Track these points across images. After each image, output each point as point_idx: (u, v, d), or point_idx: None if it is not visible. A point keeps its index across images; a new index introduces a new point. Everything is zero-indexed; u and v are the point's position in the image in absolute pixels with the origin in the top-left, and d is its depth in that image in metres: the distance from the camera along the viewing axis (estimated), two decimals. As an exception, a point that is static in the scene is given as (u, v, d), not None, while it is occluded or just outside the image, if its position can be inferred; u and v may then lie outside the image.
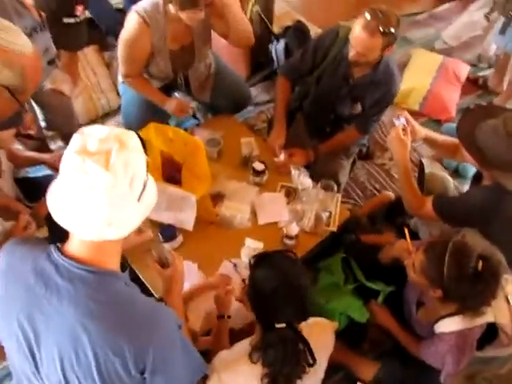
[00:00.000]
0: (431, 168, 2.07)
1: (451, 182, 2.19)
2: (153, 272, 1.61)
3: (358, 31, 2.01)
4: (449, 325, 1.66)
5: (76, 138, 1.03)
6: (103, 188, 0.99)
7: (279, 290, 1.42)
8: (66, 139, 2.63)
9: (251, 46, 2.64)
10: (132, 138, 1.06)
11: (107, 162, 0.98)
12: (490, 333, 1.69)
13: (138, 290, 1.21)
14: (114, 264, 1.15)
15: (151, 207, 1.13)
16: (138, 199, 1.07)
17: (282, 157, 2.36)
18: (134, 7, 2.24)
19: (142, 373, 1.11)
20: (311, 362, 1.41)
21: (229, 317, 1.75)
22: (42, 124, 2.76)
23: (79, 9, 1.86)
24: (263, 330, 1.46)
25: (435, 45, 4.14)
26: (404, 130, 1.93)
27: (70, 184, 1.02)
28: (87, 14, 1.95)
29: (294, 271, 1.49)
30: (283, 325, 1.39)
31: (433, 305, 1.74)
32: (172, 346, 1.17)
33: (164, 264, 1.54)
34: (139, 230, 1.55)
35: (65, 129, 2.55)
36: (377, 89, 2.27)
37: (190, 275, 1.95)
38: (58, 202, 1.06)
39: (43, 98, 2.43)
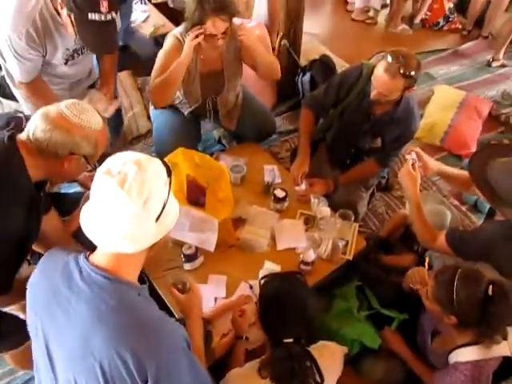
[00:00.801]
0: (429, 202, 2.09)
1: (448, 215, 2.22)
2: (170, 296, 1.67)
3: (379, 73, 2.10)
4: (465, 354, 1.65)
5: (106, 162, 1.18)
6: (119, 205, 1.12)
7: (285, 308, 1.53)
8: (98, 160, 2.77)
9: (278, 79, 2.76)
10: (153, 163, 1.19)
11: (124, 181, 1.11)
12: (506, 369, 1.69)
13: (151, 303, 1.29)
14: (131, 276, 1.24)
15: (169, 229, 1.24)
16: (156, 220, 1.17)
17: (304, 186, 2.44)
18: (171, 32, 2.45)
19: (146, 382, 1.16)
20: (319, 380, 1.47)
21: (247, 338, 1.81)
22: None
23: (104, 4, 1.90)
24: (272, 345, 1.54)
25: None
26: (413, 165, 1.99)
27: (96, 200, 1.17)
28: (114, 16, 1.95)
29: (301, 291, 1.60)
30: (291, 340, 1.48)
31: (449, 334, 1.75)
32: (177, 361, 1.21)
33: (181, 290, 1.60)
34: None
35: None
36: (397, 126, 2.34)
37: (219, 288, 2.06)
38: (87, 216, 1.21)
39: None
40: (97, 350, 1.14)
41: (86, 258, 1.24)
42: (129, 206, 1.11)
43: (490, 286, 1.51)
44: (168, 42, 2.43)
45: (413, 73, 2.06)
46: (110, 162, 1.17)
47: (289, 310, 1.53)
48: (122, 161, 1.15)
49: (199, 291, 1.61)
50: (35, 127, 1.51)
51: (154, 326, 1.20)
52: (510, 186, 1.67)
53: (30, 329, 1.31)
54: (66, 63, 2.23)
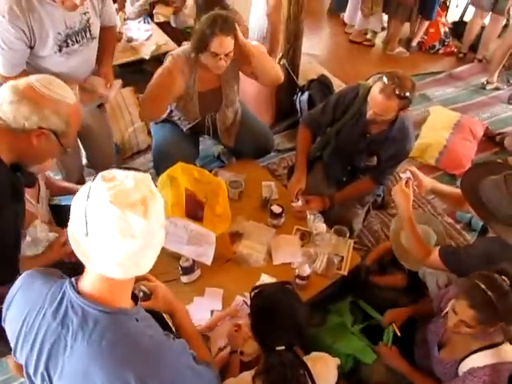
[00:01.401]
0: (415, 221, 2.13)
1: (434, 236, 2.26)
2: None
3: (375, 94, 2.16)
4: (481, 359, 1.65)
5: (103, 187, 1.02)
6: (142, 235, 1.03)
7: (275, 315, 1.58)
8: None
9: (280, 83, 2.78)
10: (151, 182, 1.11)
11: (146, 212, 1.02)
12: None
13: (149, 323, 1.24)
14: (125, 300, 1.18)
15: (161, 245, 1.18)
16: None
17: (300, 202, 2.48)
18: (170, 52, 2.53)
19: None
20: None
21: (241, 352, 1.83)
22: (84, 161, 3.01)
23: None
24: (265, 353, 1.58)
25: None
26: (407, 182, 2.03)
27: (105, 232, 1.01)
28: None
29: (290, 298, 1.65)
30: (283, 347, 1.51)
31: (463, 341, 1.74)
32: (180, 376, 1.21)
33: (146, 298, 1.47)
34: None
35: (102, 167, 2.72)
36: (392, 145, 2.39)
37: (215, 300, 2.09)
38: (90, 249, 1.05)
39: (89, 140, 2.71)
40: (100, 381, 1.11)
41: (74, 286, 1.14)
42: (149, 235, 1.05)
43: (503, 278, 1.55)
44: (165, 62, 2.49)
45: (407, 94, 2.12)
46: (111, 187, 1.02)
47: (279, 316, 1.58)
48: (129, 186, 1.03)
49: (158, 283, 1.48)
50: (2, 100, 1.44)
51: (152, 350, 1.16)
52: (501, 203, 1.70)
53: (21, 357, 1.21)
54: (59, 50, 2.13)
